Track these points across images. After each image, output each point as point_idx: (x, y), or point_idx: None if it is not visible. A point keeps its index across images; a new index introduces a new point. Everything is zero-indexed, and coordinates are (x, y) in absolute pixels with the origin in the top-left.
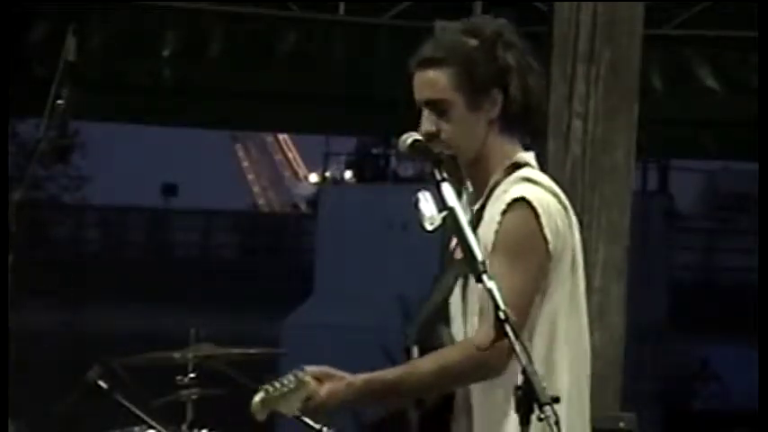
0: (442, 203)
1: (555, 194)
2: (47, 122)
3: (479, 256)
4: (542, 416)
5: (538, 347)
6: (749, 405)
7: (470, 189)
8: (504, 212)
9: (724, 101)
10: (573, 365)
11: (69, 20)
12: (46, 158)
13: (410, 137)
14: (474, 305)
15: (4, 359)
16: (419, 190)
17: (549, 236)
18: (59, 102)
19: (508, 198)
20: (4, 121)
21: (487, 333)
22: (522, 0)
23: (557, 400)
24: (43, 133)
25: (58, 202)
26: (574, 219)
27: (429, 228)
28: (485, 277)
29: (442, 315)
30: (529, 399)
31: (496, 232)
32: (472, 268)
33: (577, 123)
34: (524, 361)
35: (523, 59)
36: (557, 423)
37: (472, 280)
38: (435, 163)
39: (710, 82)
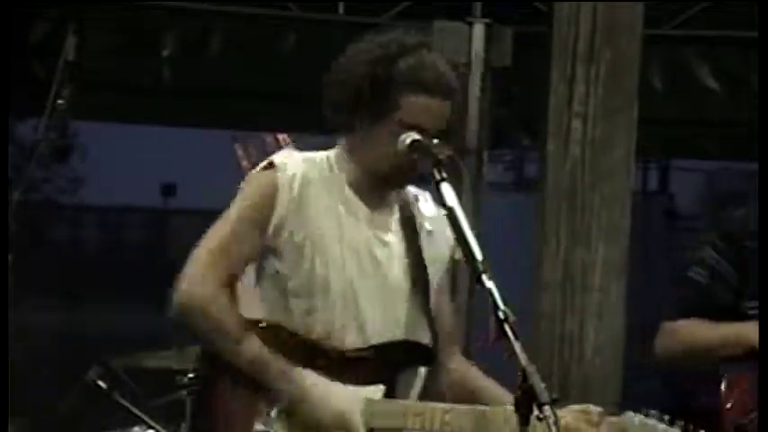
0: (441, 203)
1: None
2: (47, 123)
3: (479, 256)
4: (541, 416)
5: None
6: None
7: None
8: None
9: (724, 101)
10: None
11: (69, 20)
12: (45, 159)
13: (409, 137)
14: None
15: (4, 359)
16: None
17: None
18: (59, 102)
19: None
20: (4, 121)
21: None
22: (522, 0)
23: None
24: (42, 134)
25: (57, 202)
26: None
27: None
28: (484, 277)
29: None
30: (528, 399)
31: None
32: (472, 268)
33: (577, 124)
34: (524, 361)
35: None
36: (556, 423)
37: None
38: (435, 163)
39: (710, 82)
